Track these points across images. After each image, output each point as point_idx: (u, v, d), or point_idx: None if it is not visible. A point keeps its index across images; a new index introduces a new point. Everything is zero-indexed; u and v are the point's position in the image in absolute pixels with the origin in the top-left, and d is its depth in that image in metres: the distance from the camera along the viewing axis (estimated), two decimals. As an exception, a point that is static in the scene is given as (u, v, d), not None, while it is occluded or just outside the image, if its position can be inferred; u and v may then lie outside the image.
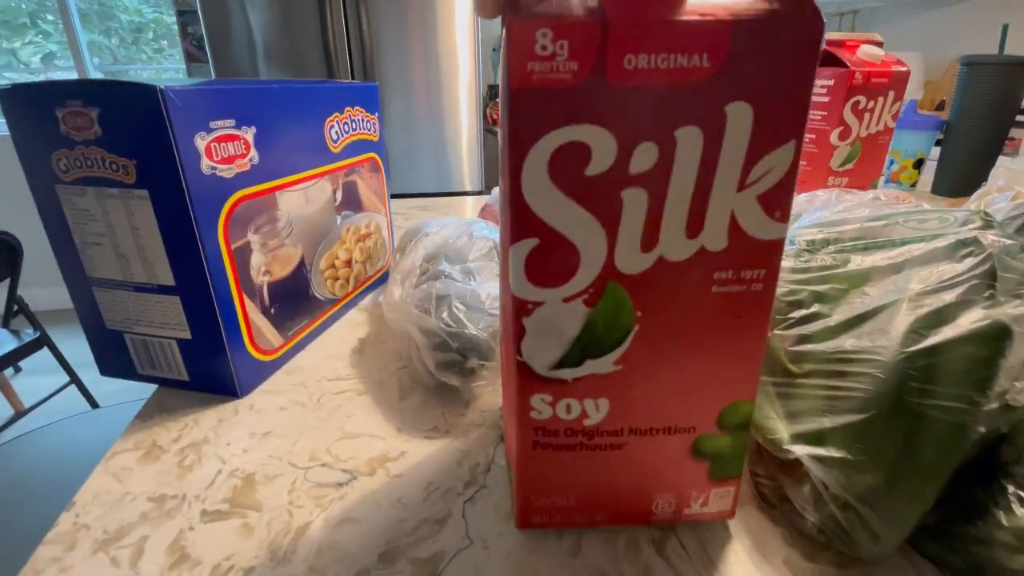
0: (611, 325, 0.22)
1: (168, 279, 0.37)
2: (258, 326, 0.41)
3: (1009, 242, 0.29)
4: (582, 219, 0.20)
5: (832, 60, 0.73)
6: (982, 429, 0.24)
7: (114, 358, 0.41)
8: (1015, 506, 0.23)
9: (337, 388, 0.41)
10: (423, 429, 0.36)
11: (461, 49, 1.76)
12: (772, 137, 0.19)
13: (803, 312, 0.30)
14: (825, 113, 0.74)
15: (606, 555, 0.27)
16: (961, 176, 0.88)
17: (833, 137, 0.74)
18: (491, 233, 0.48)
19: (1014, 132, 0.94)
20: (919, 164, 0.93)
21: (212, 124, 0.35)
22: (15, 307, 1.52)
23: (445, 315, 0.39)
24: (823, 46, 0.18)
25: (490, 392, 0.40)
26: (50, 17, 2.52)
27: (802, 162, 0.24)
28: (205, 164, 0.34)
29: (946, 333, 0.25)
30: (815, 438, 0.26)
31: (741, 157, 0.20)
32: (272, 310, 0.42)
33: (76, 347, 1.53)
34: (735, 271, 0.22)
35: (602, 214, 0.20)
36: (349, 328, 0.51)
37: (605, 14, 0.18)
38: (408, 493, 0.31)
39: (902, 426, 0.25)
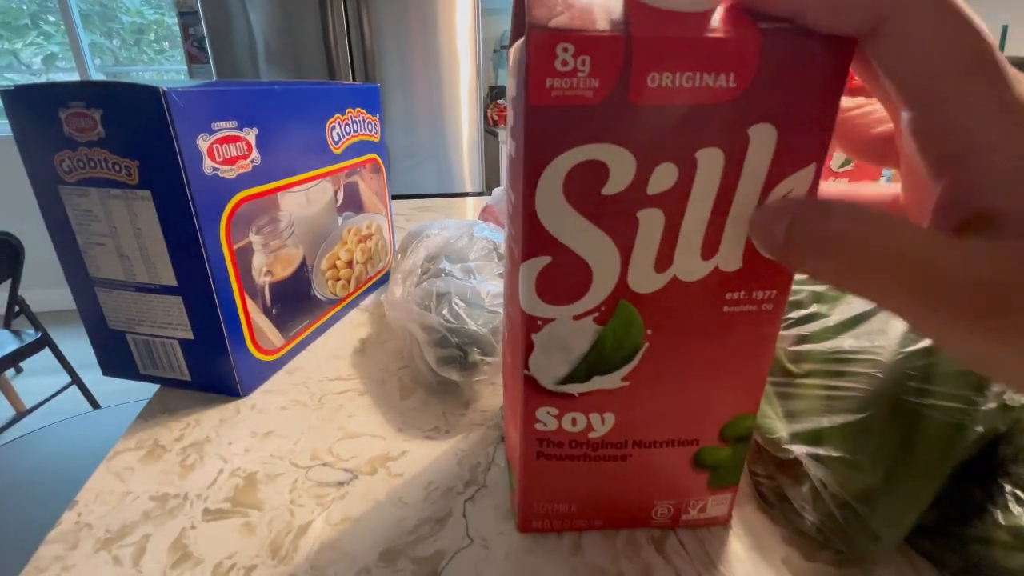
0: (620, 343, 0.22)
1: (170, 279, 0.37)
2: (260, 326, 0.41)
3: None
4: (596, 239, 0.20)
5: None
6: (980, 429, 0.24)
7: (116, 358, 0.41)
8: (1012, 505, 0.23)
9: (338, 388, 0.41)
10: (424, 429, 0.37)
11: (462, 50, 1.76)
12: (793, 160, 0.19)
13: (802, 312, 0.30)
14: (825, 114, 0.74)
15: (606, 554, 0.27)
16: (961, 177, 0.88)
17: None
18: (491, 234, 0.49)
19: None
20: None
21: (214, 125, 0.35)
22: (17, 308, 1.52)
23: (445, 311, 0.39)
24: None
25: (491, 391, 0.40)
26: (51, 18, 2.52)
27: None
28: (207, 165, 0.35)
29: (944, 333, 0.26)
30: (814, 438, 0.26)
31: (761, 179, 0.19)
32: (274, 310, 0.42)
33: (77, 348, 1.53)
34: (747, 292, 0.21)
35: (617, 234, 0.20)
36: (350, 328, 0.51)
37: (630, 29, 0.17)
38: (409, 492, 0.31)
39: (900, 426, 0.25)
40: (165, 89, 0.31)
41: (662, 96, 0.17)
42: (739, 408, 0.24)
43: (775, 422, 0.28)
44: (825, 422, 0.26)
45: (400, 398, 0.40)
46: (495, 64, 2.61)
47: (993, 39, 0.14)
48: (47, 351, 1.50)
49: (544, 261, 0.20)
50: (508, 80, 0.21)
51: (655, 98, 0.17)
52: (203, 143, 0.34)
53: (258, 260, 0.40)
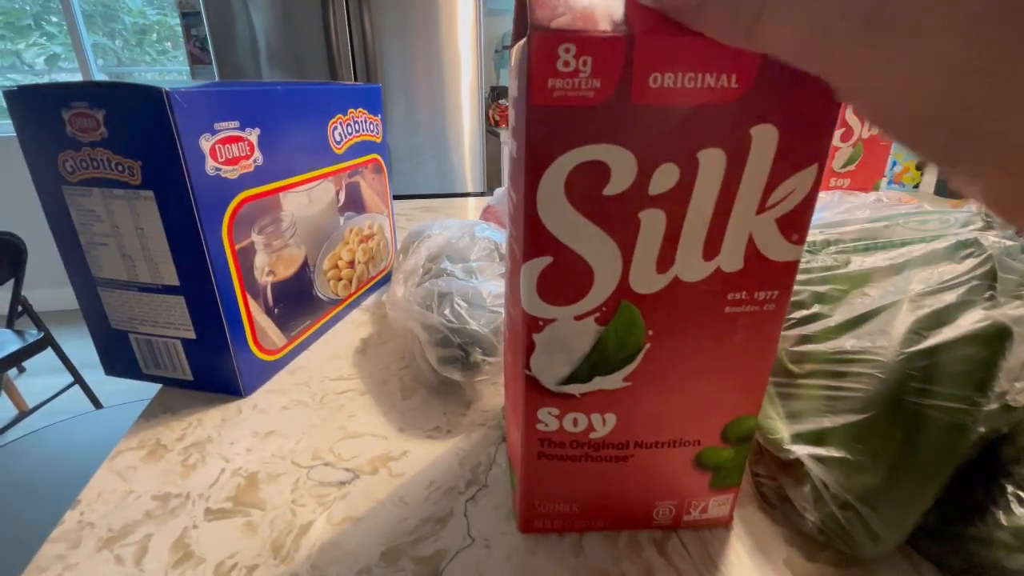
0: (622, 343, 0.22)
1: (173, 279, 0.37)
2: (262, 326, 0.41)
3: (1009, 243, 0.29)
4: (598, 239, 0.20)
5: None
6: (982, 429, 0.24)
7: (119, 358, 0.42)
8: (1014, 506, 0.23)
9: (340, 388, 0.41)
10: (425, 428, 0.37)
11: (463, 50, 1.76)
12: (795, 160, 0.19)
13: (804, 312, 0.30)
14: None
15: (607, 554, 0.27)
16: (963, 177, 0.88)
17: (835, 138, 0.74)
18: (493, 234, 0.49)
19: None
20: (922, 165, 0.93)
21: (217, 126, 0.35)
22: (20, 308, 1.53)
23: (447, 311, 0.39)
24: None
25: (492, 391, 0.40)
26: (54, 19, 2.53)
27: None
28: (210, 165, 0.35)
29: (946, 334, 0.26)
30: (815, 438, 0.26)
31: (763, 180, 0.19)
32: (275, 310, 0.42)
33: (80, 347, 1.53)
34: (749, 292, 0.21)
35: (618, 235, 0.20)
36: (352, 328, 0.51)
37: (632, 29, 0.17)
38: (410, 492, 0.31)
39: (902, 426, 0.25)
40: (168, 89, 0.31)
41: (664, 97, 0.17)
42: (741, 409, 0.24)
43: (777, 422, 0.28)
44: (827, 422, 0.26)
45: (401, 398, 0.40)
46: (496, 64, 2.61)
47: None
48: (50, 351, 1.50)
49: (545, 261, 0.20)
50: (510, 80, 0.21)
51: (657, 99, 0.17)
52: (205, 143, 0.34)
53: (260, 260, 0.40)
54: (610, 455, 0.25)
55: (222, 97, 0.35)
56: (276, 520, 0.29)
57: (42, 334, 1.48)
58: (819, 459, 0.26)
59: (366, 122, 0.53)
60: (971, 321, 0.25)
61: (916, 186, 0.95)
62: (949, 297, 0.26)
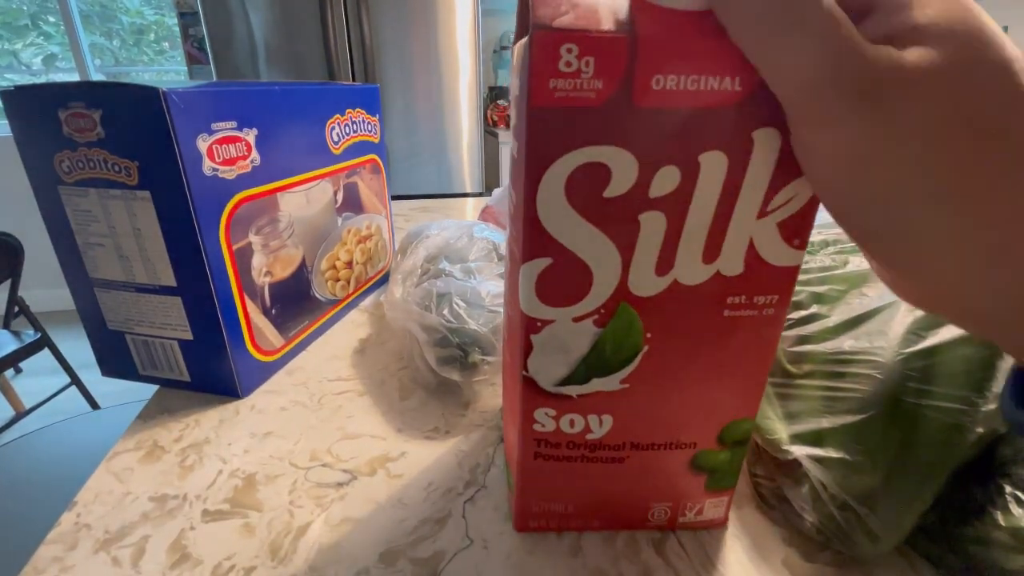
0: (620, 345, 0.22)
1: (170, 280, 0.37)
2: (259, 327, 0.41)
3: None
4: (597, 241, 0.20)
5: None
6: (980, 430, 0.24)
7: (116, 359, 0.41)
8: (1012, 506, 0.23)
9: (338, 388, 0.41)
10: (423, 429, 0.36)
11: (462, 50, 1.76)
12: (797, 165, 0.19)
13: (802, 313, 0.30)
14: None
15: (606, 555, 0.27)
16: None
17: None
18: (491, 234, 0.49)
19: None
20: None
21: (214, 126, 0.35)
22: (16, 308, 1.52)
23: (446, 312, 0.39)
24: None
25: (490, 392, 0.40)
26: (51, 19, 2.52)
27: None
28: (207, 165, 0.35)
29: (944, 334, 0.26)
30: (814, 438, 0.26)
31: (765, 184, 0.19)
32: (273, 311, 0.42)
33: (77, 348, 1.52)
34: (749, 296, 0.21)
35: (618, 237, 0.20)
36: (350, 329, 0.51)
37: (636, 30, 0.16)
38: (408, 493, 0.31)
39: (900, 427, 0.25)
40: (165, 90, 0.31)
41: (666, 99, 0.17)
42: (738, 412, 0.24)
43: (775, 423, 0.28)
44: (825, 423, 0.26)
45: (400, 399, 0.40)
46: (495, 65, 2.61)
47: None
48: (46, 351, 1.50)
49: (545, 262, 0.20)
50: (511, 79, 0.21)
51: (658, 101, 0.17)
52: (203, 143, 0.34)
53: (258, 260, 0.40)
54: (606, 456, 0.25)
55: (219, 97, 0.35)
56: (274, 521, 0.29)
57: (39, 335, 1.48)
58: (817, 459, 0.26)
59: (364, 122, 0.52)
60: (969, 321, 0.25)
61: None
62: (947, 297, 0.26)
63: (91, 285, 0.39)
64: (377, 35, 1.69)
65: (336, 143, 0.48)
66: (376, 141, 0.55)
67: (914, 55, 0.14)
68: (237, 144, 0.37)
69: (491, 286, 0.41)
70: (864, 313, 0.28)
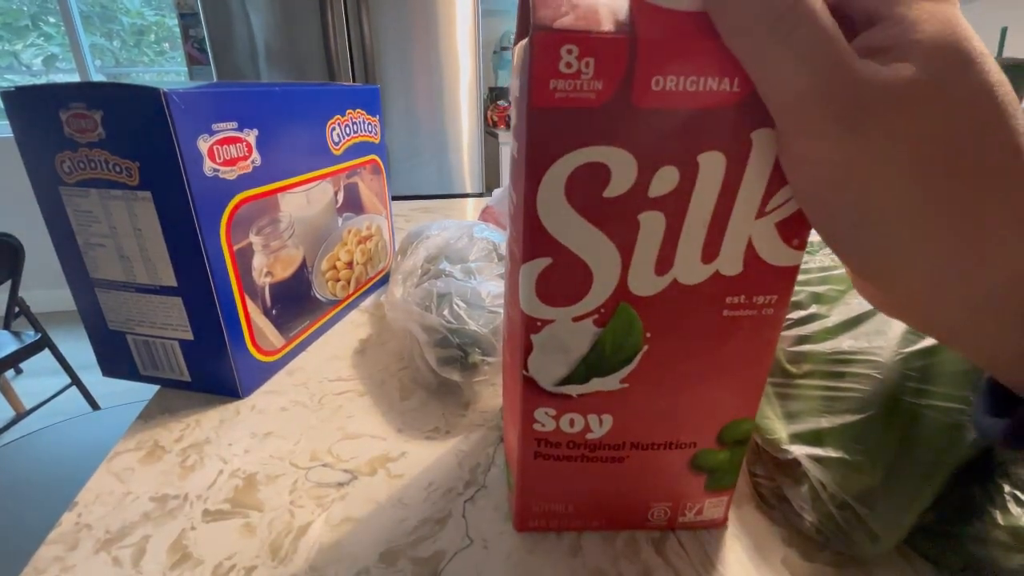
0: (620, 345, 0.22)
1: (170, 280, 0.37)
2: (260, 327, 0.41)
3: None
4: (597, 241, 0.20)
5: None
6: (979, 429, 0.24)
7: (116, 359, 0.41)
8: (1011, 505, 0.23)
9: (338, 389, 0.41)
10: (424, 429, 0.37)
11: (462, 51, 1.76)
12: None
13: (801, 313, 0.30)
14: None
15: (605, 555, 0.27)
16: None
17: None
18: (491, 234, 0.49)
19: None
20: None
21: (215, 126, 0.35)
22: (17, 309, 1.52)
23: (446, 312, 0.39)
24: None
25: (490, 392, 0.40)
26: (52, 19, 2.53)
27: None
28: (207, 166, 0.35)
29: (943, 334, 0.26)
30: (813, 438, 0.26)
31: (763, 184, 0.19)
32: (274, 311, 0.42)
33: (77, 349, 1.53)
34: (748, 296, 0.21)
35: (618, 236, 0.20)
36: (350, 329, 0.51)
37: (636, 31, 0.17)
38: (409, 493, 0.31)
39: (899, 426, 0.25)
40: (165, 90, 0.31)
41: (665, 99, 0.17)
42: (737, 412, 0.24)
43: (774, 423, 0.28)
44: (824, 423, 0.26)
45: (400, 399, 0.40)
46: (495, 65, 2.61)
47: None
48: (47, 352, 1.50)
49: (545, 262, 0.20)
50: (511, 79, 0.21)
51: (658, 101, 0.17)
52: (203, 144, 0.34)
53: (258, 261, 0.40)
54: (606, 456, 0.25)
55: (220, 98, 0.35)
56: (274, 521, 0.29)
57: (39, 335, 1.48)
58: (817, 459, 0.26)
59: (364, 123, 0.53)
60: (968, 321, 0.25)
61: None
62: (946, 297, 0.26)
63: (92, 285, 0.39)
64: (377, 36, 1.69)
65: (336, 144, 0.48)
66: (376, 142, 0.55)
67: (901, 71, 0.14)
68: (238, 145, 0.37)
69: (491, 286, 0.41)
70: (863, 313, 0.28)
